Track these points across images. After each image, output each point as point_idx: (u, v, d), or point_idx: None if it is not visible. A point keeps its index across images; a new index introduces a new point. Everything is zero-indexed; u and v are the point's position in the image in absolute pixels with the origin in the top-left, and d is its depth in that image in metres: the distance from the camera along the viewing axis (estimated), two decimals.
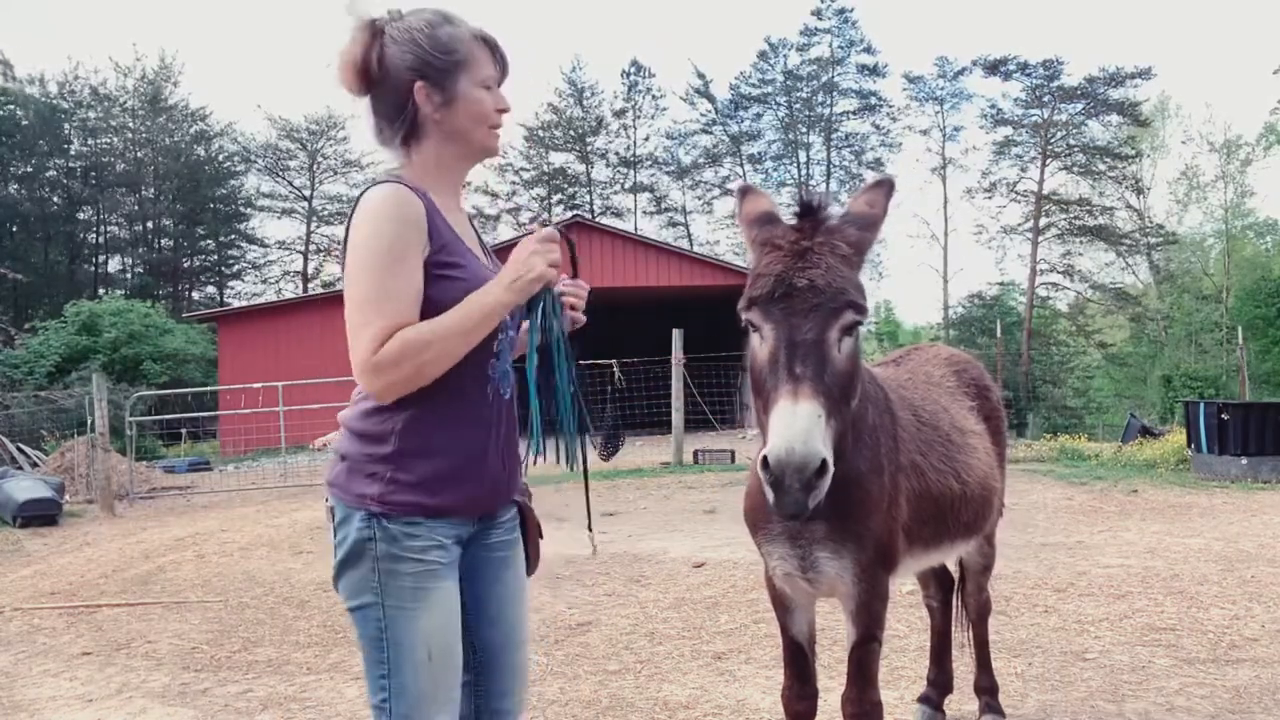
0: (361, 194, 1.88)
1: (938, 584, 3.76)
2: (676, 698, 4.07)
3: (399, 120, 1.96)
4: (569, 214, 38.18)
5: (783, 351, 2.07)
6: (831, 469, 1.96)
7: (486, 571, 2.06)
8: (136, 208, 46.48)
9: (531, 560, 2.17)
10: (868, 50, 44.70)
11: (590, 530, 2.34)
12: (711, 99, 45.70)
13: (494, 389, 1.98)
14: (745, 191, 2.42)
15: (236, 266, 49.49)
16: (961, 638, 3.73)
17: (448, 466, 1.91)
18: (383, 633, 1.93)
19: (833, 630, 4.64)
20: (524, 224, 45.04)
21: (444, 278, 1.89)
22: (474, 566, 2.03)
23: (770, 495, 1.97)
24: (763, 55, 45.46)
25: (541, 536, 2.20)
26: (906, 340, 49.03)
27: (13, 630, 5.95)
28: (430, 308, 1.85)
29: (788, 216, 2.27)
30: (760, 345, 2.15)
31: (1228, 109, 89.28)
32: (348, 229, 1.88)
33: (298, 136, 47.19)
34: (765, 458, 1.95)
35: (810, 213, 2.20)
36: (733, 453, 13.83)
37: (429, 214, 1.88)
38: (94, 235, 46.93)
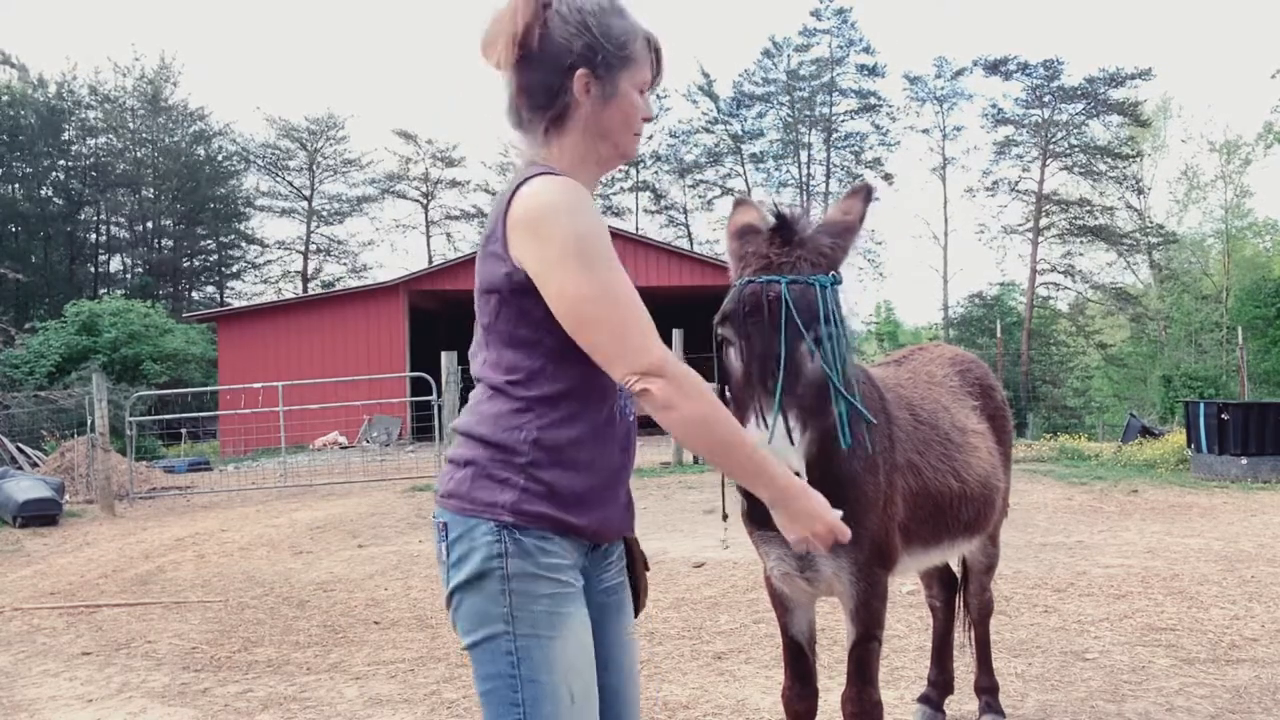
0: (526, 180, 1.67)
1: (940, 584, 3.76)
2: (676, 698, 4.07)
3: (549, 106, 1.76)
4: None
5: (755, 366, 2.09)
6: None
7: (601, 614, 1.84)
8: (136, 208, 46.50)
9: (640, 598, 1.96)
10: (866, 50, 44.75)
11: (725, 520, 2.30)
12: (714, 97, 45.72)
13: (621, 409, 1.80)
14: (736, 204, 2.43)
15: (236, 266, 49.48)
16: (962, 637, 3.73)
17: (584, 484, 1.72)
18: (515, 668, 1.66)
19: (833, 630, 4.64)
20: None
21: None
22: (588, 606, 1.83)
23: (744, 507, 1.99)
24: (766, 54, 45.49)
25: (648, 569, 1.98)
26: (907, 340, 49.05)
27: (13, 630, 5.95)
28: None
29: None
30: (733, 360, 2.17)
31: (1228, 109, 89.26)
32: (505, 212, 1.67)
33: (297, 136, 47.21)
34: None
35: (782, 226, 2.19)
36: None
37: None
38: (94, 235, 46.93)
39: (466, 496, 1.70)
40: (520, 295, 1.67)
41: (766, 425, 1.96)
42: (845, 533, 1.74)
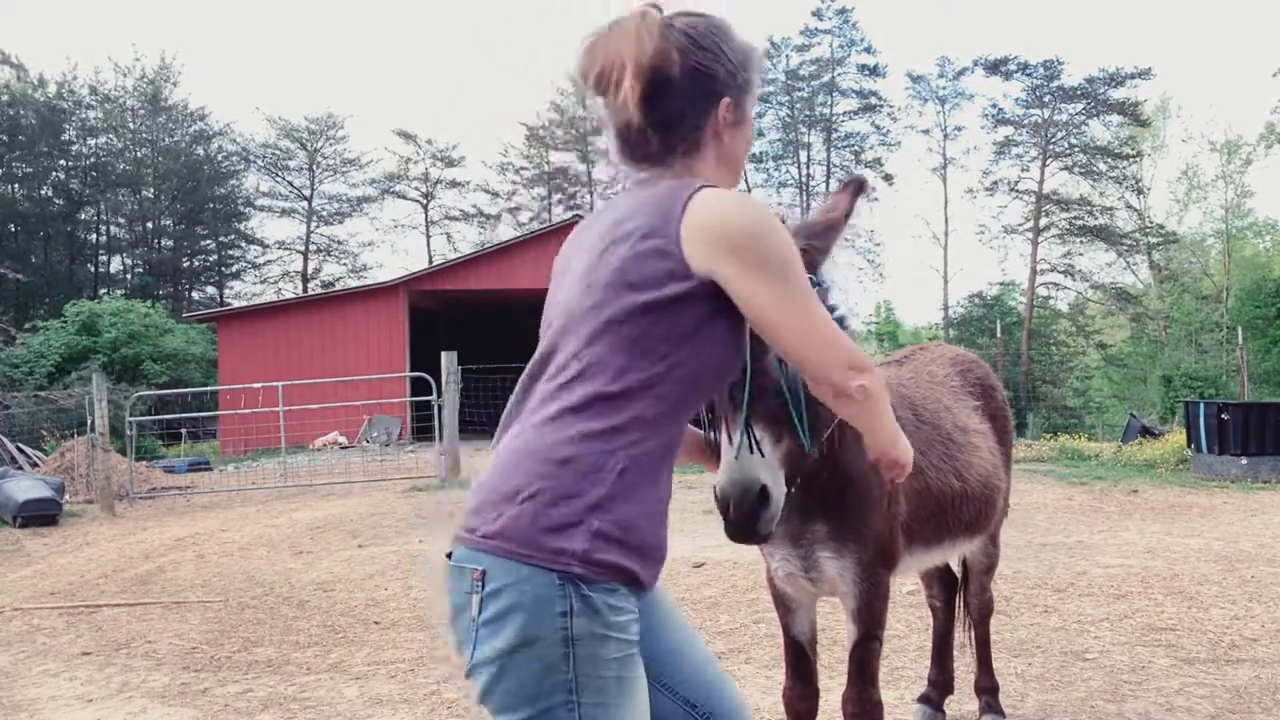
0: (700, 189, 1.55)
1: (941, 584, 3.76)
2: None
3: (689, 136, 1.64)
4: (569, 214, 38.18)
5: None
6: (777, 493, 1.94)
7: (655, 622, 1.67)
8: (136, 208, 46.51)
9: None
10: (868, 50, 44.77)
11: None
12: None
13: None
14: None
15: (236, 266, 49.51)
16: (962, 637, 3.73)
17: (652, 527, 1.54)
18: None
19: (833, 630, 4.64)
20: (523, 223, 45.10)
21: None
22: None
23: (721, 521, 1.99)
24: (766, 53, 45.42)
25: None
26: (907, 340, 49.07)
27: (13, 630, 5.94)
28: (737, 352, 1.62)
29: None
30: None
31: (1228, 109, 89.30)
32: (682, 215, 1.52)
33: (297, 136, 47.23)
34: (715, 487, 1.97)
35: None
36: None
37: None
38: (94, 235, 46.96)
39: (524, 539, 1.43)
40: (679, 303, 1.51)
41: (731, 441, 1.96)
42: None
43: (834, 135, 45.12)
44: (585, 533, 1.43)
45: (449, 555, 1.53)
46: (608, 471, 1.46)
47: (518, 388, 1.62)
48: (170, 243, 47.80)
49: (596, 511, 1.45)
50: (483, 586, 1.44)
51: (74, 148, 45.51)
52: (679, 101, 1.62)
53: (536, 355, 1.60)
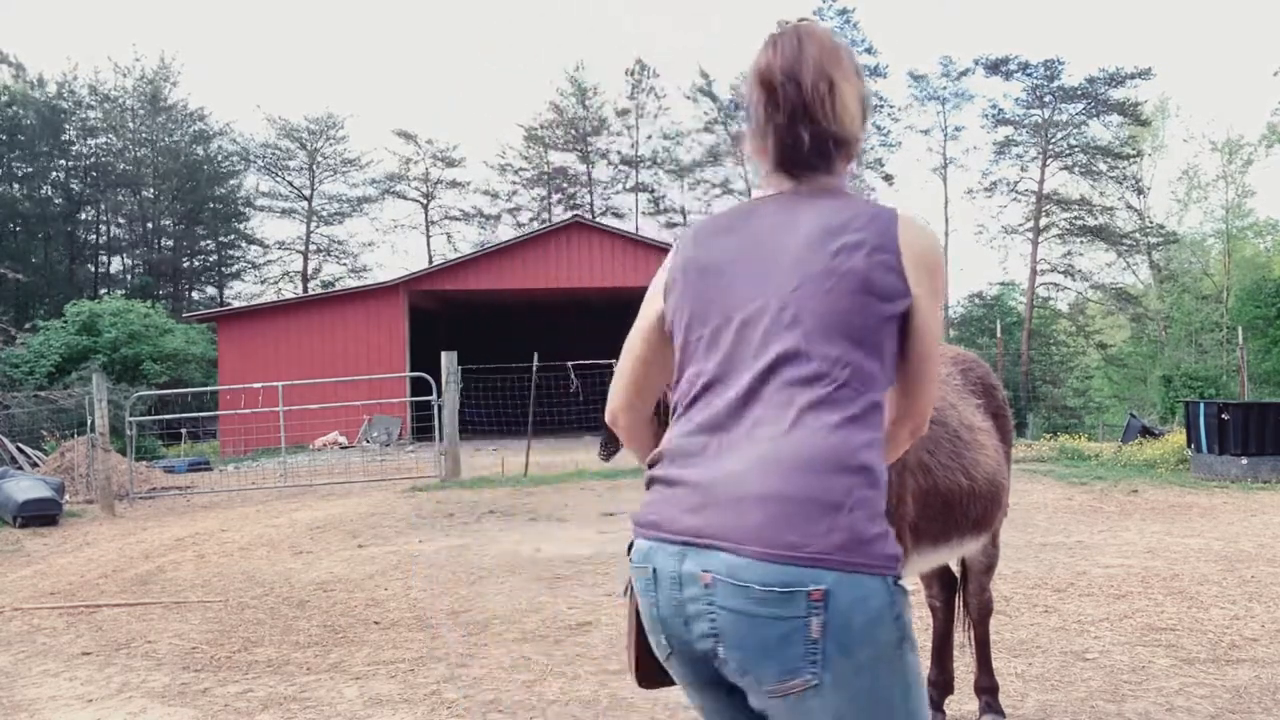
0: (895, 211, 1.60)
1: (940, 584, 3.76)
2: (676, 698, 4.07)
3: (837, 160, 1.66)
4: (569, 214, 38.18)
5: None
6: None
7: None
8: (136, 208, 46.53)
9: None
10: (868, 50, 44.78)
11: None
12: (714, 98, 45.81)
13: None
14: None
15: (236, 266, 49.55)
16: (962, 637, 3.73)
17: None
18: None
19: None
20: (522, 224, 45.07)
21: None
22: None
23: None
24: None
25: None
26: None
27: (13, 630, 5.94)
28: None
29: None
30: None
31: (1229, 109, 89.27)
32: (898, 233, 1.57)
33: (297, 136, 47.25)
34: None
35: None
36: None
37: None
38: (94, 235, 46.97)
39: (861, 550, 1.40)
40: (900, 319, 1.56)
41: None
42: None
43: None
44: (892, 538, 1.45)
45: (724, 579, 1.43)
46: (884, 479, 1.49)
47: (740, 387, 1.52)
48: (170, 243, 47.82)
49: (890, 518, 1.53)
50: (823, 607, 1.37)
51: (74, 148, 45.53)
52: (855, 120, 1.67)
53: (769, 355, 1.52)
